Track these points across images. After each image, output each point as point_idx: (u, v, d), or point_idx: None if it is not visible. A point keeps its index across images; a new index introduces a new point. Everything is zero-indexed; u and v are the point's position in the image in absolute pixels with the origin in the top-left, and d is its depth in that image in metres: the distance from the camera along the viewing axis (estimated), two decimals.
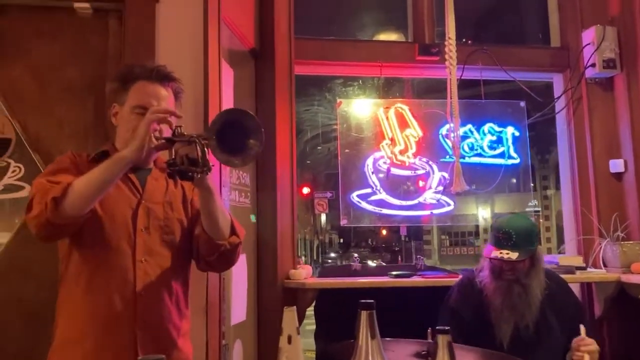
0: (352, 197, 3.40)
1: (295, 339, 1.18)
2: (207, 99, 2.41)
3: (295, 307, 1.18)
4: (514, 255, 2.17)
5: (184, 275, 1.80)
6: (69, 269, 1.66)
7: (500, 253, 2.19)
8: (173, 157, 1.55)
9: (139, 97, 1.71)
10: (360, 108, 3.52)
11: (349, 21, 4.23)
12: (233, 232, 1.73)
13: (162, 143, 1.57)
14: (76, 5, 2.35)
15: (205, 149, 1.49)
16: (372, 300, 1.24)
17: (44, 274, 2.24)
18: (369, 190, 3.41)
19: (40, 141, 2.35)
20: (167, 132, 1.60)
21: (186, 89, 1.88)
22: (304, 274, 3.15)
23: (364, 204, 3.39)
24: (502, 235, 2.21)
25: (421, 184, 3.48)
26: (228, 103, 2.72)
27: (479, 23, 4.68)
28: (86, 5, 2.36)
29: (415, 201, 3.44)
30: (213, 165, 1.54)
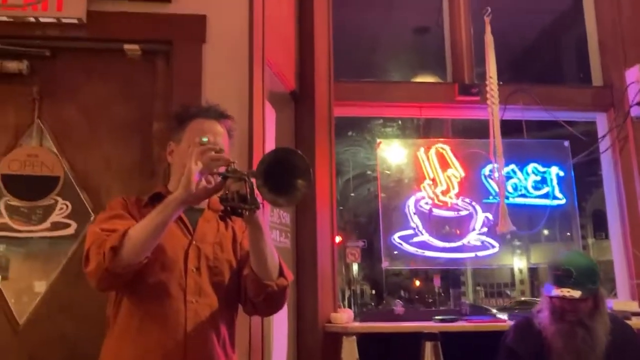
0: (394, 239, 3.33)
1: None
2: (252, 139, 2.41)
3: (354, 337, 1.12)
4: (576, 294, 2.07)
5: (231, 317, 1.77)
6: (120, 311, 1.64)
7: (562, 291, 2.09)
8: (226, 192, 1.54)
9: (196, 133, 1.72)
10: (400, 148, 3.49)
11: (383, 66, 4.27)
12: (281, 274, 1.69)
13: (219, 181, 1.56)
14: (126, 47, 2.41)
15: (254, 187, 1.48)
16: (436, 332, 1.18)
17: (87, 312, 2.23)
18: (410, 232, 3.34)
19: (88, 179, 2.39)
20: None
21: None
22: (345, 317, 3.06)
23: (405, 246, 3.32)
24: (562, 273, 2.12)
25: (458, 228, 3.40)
26: (270, 144, 2.73)
27: (516, 64, 4.68)
28: (135, 47, 2.42)
29: (459, 243, 3.35)
30: (262, 203, 1.52)
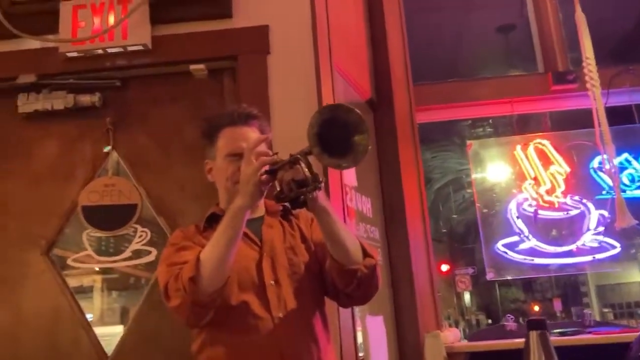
0: (497, 248, 3.03)
1: None
2: None
3: (439, 331, 0.91)
4: None
5: (323, 317, 1.62)
6: (205, 345, 1.53)
7: None
8: (279, 188, 1.41)
9: (228, 144, 1.64)
10: (493, 148, 3.22)
11: (467, 68, 4.04)
12: (365, 254, 1.53)
13: (266, 178, 1.42)
14: (192, 67, 2.38)
15: (310, 162, 1.32)
16: (542, 317, 0.95)
17: (172, 343, 2.15)
18: (515, 239, 3.03)
19: (164, 205, 2.34)
20: None
21: (303, 143, 1.75)
22: (450, 337, 2.78)
23: (511, 254, 3.01)
24: None
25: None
26: None
27: (616, 52, 4.28)
28: (201, 67, 2.39)
29: (573, 246, 3.00)
30: (322, 180, 1.36)
